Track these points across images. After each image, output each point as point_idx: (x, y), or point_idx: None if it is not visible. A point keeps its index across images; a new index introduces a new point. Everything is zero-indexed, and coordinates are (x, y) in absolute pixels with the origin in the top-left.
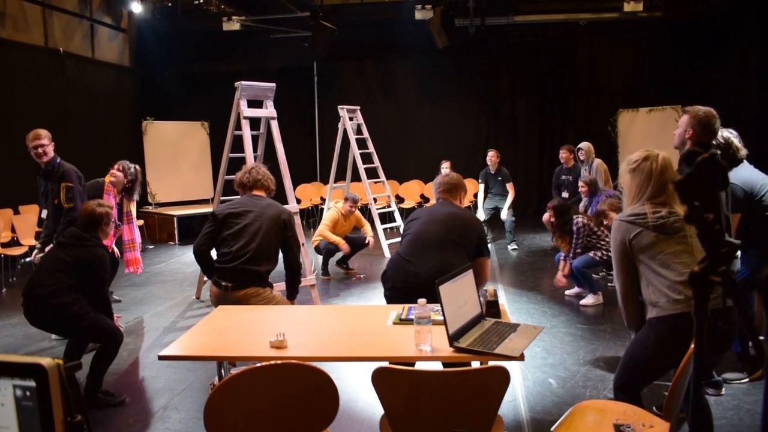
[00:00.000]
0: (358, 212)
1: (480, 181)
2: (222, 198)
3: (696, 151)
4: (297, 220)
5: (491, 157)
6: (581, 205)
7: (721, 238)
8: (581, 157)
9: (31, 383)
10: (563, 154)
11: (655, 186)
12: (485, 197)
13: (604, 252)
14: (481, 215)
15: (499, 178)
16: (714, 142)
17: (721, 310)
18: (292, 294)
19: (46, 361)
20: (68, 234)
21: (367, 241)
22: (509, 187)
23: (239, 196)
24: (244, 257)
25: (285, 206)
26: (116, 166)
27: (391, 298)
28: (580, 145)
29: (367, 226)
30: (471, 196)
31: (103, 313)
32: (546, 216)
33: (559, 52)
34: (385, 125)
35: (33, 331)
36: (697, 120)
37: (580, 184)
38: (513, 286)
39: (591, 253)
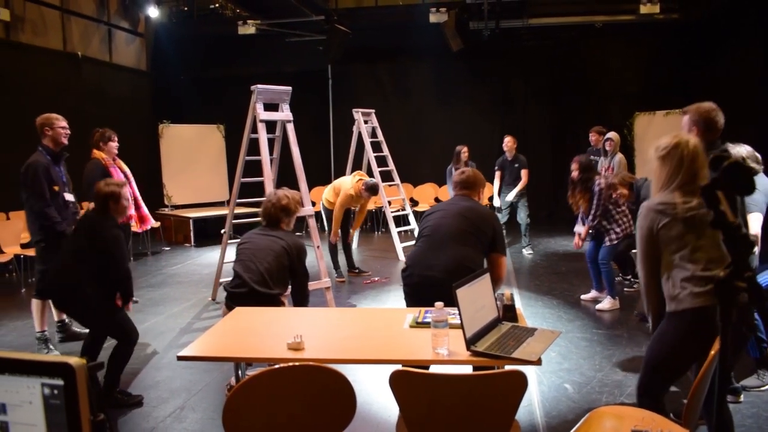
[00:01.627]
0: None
1: (496, 168)
2: (238, 201)
3: (721, 156)
4: (315, 251)
5: (507, 143)
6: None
7: (747, 242)
8: (608, 147)
9: (59, 382)
10: (593, 136)
11: (686, 174)
12: (500, 186)
13: (619, 229)
14: (496, 202)
15: (516, 165)
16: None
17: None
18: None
19: (73, 360)
20: (83, 220)
21: (334, 241)
22: (523, 173)
23: (258, 230)
24: (255, 281)
25: (295, 238)
26: (114, 137)
27: (411, 294)
28: (608, 135)
29: (360, 217)
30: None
31: (125, 290)
32: (574, 173)
33: (573, 55)
34: (400, 128)
35: (51, 330)
36: (699, 116)
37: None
38: (528, 290)
39: (606, 241)
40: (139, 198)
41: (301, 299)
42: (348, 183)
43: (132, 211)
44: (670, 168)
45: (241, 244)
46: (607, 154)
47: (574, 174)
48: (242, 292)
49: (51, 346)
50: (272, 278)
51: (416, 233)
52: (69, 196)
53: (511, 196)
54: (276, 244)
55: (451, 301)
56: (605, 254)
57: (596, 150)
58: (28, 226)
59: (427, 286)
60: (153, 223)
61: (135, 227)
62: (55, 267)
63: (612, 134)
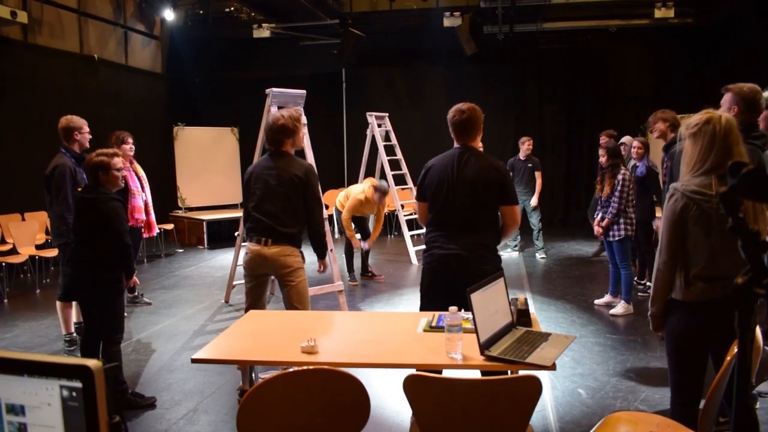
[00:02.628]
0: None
1: (507, 167)
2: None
3: (740, 162)
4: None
5: (525, 143)
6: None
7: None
8: (623, 152)
9: (78, 384)
10: (604, 139)
11: (718, 152)
12: None
13: (623, 226)
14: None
15: (529, 165)
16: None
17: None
18: (322, 255)
19: (92, 362)
20: (77, 202)
21: (357, 246)
22: (537, 176)
23: (264, 159)
24: (272, 219)
25: (303, 164)
26: (129, 140)
27: (429, 285)
28: (623, 140)
29: (379, 225)
30: None
31: (127, 263)
32: (602, 159)
33: (588, 59)
34: (413, 132)
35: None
36: (741, 97)
37: (636, 144)
38: (541, 294)
39: (609, 236)
40: (150, 204)
41: (318, 240)
42: (359, 188)
43: (143, 216)
44: (701, 146)
45: (253, 179)
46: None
47: (602, 160)
48: (261, 227)
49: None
50: (288, 216)
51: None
52: None
53: (533, 203)
54: (284, 180)
55: (470, 280)
56: (623, 257)
57: None
58: (51, 227)
59: (447, 271)
60: (155, 231)
61: (144, 233)
62: (74, 248)
63: (625, 139)
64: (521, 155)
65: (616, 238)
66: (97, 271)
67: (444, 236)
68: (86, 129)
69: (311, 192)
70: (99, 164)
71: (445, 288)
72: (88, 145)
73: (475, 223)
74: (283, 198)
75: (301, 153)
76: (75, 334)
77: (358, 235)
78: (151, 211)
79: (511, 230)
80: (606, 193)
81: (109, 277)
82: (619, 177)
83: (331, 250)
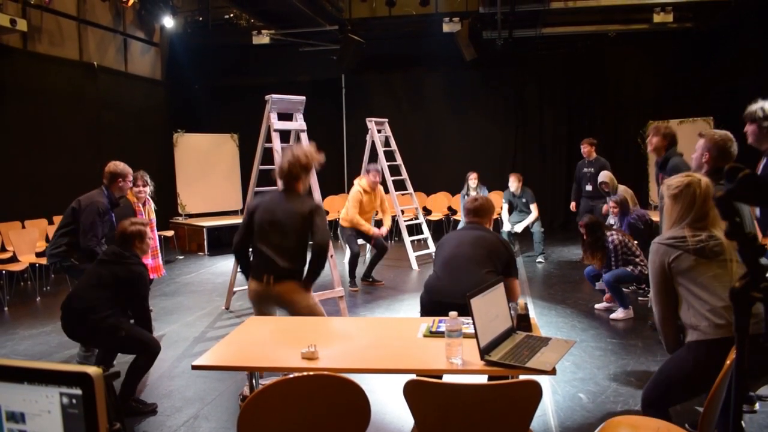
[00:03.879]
0: (381, 190)
1: (504, 201)
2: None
3: (737, 167)
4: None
5: (513, 181)
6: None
7: (762, 253)
8: (605, 189)
9: (78, 391)
10: (585, 148)
11: (697, 212)
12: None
13: (642, 267)
14: (507, 226)
15: (524, 200)
16: (761, 114)
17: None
18: (310, 281)
19: (92, 369)
20: (109, 251)
21: (378, 233)
22: (533, 207)
23: (274, 189)
24: (279, 255)
25: (312, 201)
26: (140, 183)
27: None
28: (601, 179)
29: (387, 216)
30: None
31: (145, 328)
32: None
33: (587, 64)
34: (413, 137)
35: (66, 339)
36: (713, 143)
37: (611, 204)
38: (542, 299)
39: (629, 268)
40: (158, 247)
41: (320, 257)
42: (355, 190)
43: (149, 261)
44: (682, 206)
45: (259, 214)
46: (609, 194)
47: (584, 236)
48: (268, 267)
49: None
50: (298, 253)
51: (433, 256)
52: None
53: (519, 228)
54: (295, 216)
55: (467, 312)
56: (614, 276)
57: (588, 161)
58: (70, 254)
59: (446, 310)
60: (163, 272)
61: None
62: (72, 293)
63: (603, 176)
64: (513, 190)
65: (633, 273)
66: (103, 319)
67: None
68: (130, 178)
69: (320, 224)
70: (138, 233)
71: None
72: (126, 193)
73: None
74: (292, 234)
75: None
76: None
77: (361, 241)
78: (158, 255)
79: None
80: (599, 265)
81: (117, 322)
82: (609, 246)
83: (332, 256)
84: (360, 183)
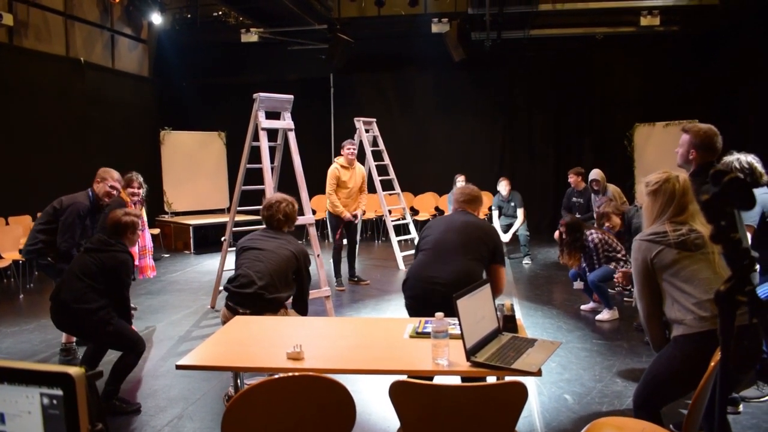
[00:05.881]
0: (361, 168)
1: (493, 207)
2: (238, 208)
3: (722, 171)
4: (312, 260)
5: (504, 185)
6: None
7: (747, 256)
8: (595, 187)
9: (58, 392)
10: (572, 178)
11: (676, 207)
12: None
13: (625, 263)
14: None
15: (513, 204)
16: (737, 165)
17: (747, 327)
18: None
19: (73, 369)
20: (95, 239)
21: (350, 217)
22: (519, 213)
23: (261, 229)
24: (261, 283)
25: (300, 244)
26: (135, 184)
27: (412, 306)
28: (592, 176)
29: (363, 196)
30: (486, 209)
31: (123, 317)
32: (557, 233)
33: (575, 66)
34: (401, 137)
35: (50, 336)
36: (699, 139)
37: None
38: (528, 300)
39: (612, 265)
40: (151, 248)
41: (302, 306)
42: (332, 168)
43: (137, 261)
44: (661, 202)
45: (246, 247)
46: (598, 193)
47: (562, 235)
48: (248, 293)
49: (78, 356)
50: (280, 281)
51: (416, 243)
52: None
53: (506, 238)
54: (283, 249)
55: (453, 312)
56: (599, 275)
57: (577, 192)
58: (45, 253)
59: (429, 298)
60: (153, 274)
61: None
62: (59, 284)
63: (594, 173)
64: (504, 196)
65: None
66: (92, 310)
67: None
68: (111, 183)
69: (304, 271)
70: (131, 224)
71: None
72: (105, 200)
73: None
74: (278, 263)
75: (288, 160)
76: (74, 344)
77: (351, 240)
78: (147, 255)
79: (497, 295)
80: (574, 265)
81: (106, 316)
82: (590, 245)
83: (318, 255)
84: (337, 160)
